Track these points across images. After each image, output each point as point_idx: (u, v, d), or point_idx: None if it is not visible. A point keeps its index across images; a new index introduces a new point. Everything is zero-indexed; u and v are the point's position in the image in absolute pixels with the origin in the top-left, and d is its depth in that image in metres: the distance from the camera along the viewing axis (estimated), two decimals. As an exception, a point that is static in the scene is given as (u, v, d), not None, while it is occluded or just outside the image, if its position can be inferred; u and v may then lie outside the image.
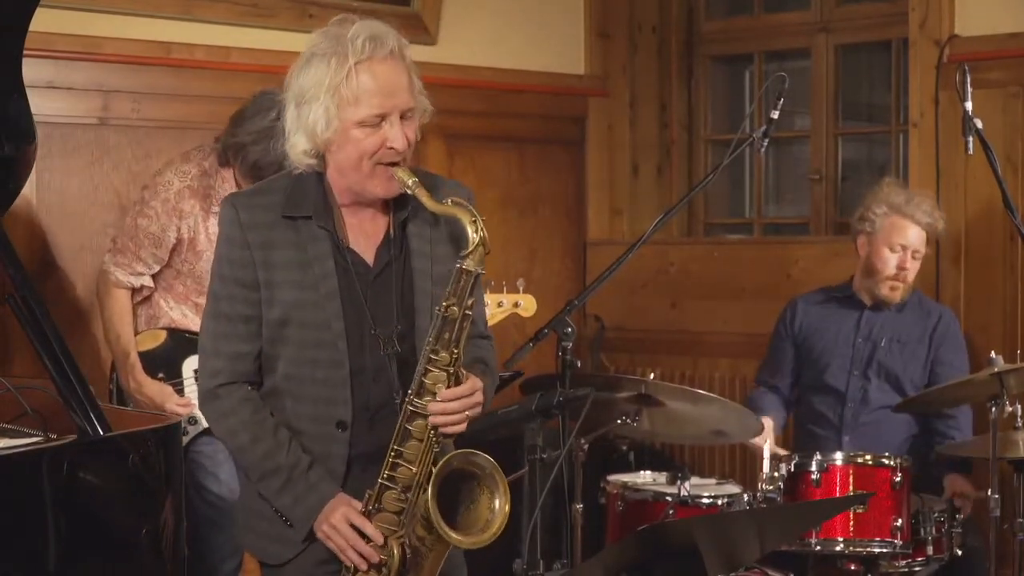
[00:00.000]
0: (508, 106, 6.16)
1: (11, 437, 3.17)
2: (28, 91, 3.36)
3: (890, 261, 4.88)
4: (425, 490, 2.89)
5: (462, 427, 2.94)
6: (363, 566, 2.94)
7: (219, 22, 5.19)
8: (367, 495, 2.95)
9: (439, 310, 2.90)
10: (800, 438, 4.99)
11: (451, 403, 2.91)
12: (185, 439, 4.36)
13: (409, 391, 2.92)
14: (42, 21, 3.43)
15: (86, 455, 3.09)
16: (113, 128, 4.95)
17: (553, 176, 6.37)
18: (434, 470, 2.89)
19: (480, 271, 2.91)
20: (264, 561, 3.09)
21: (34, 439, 3.14)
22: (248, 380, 3.03)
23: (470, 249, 2.90)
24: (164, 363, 4.41)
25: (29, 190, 4.47)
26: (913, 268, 4.88)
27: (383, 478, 2.93)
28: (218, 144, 4.35)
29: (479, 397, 2.96)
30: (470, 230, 2.89)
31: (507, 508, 2.92)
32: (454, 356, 2.91)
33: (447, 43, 5.87)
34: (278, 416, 3.02)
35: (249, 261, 2.98)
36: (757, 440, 4.69)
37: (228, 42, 5.12)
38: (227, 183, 4.35)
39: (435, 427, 2.92)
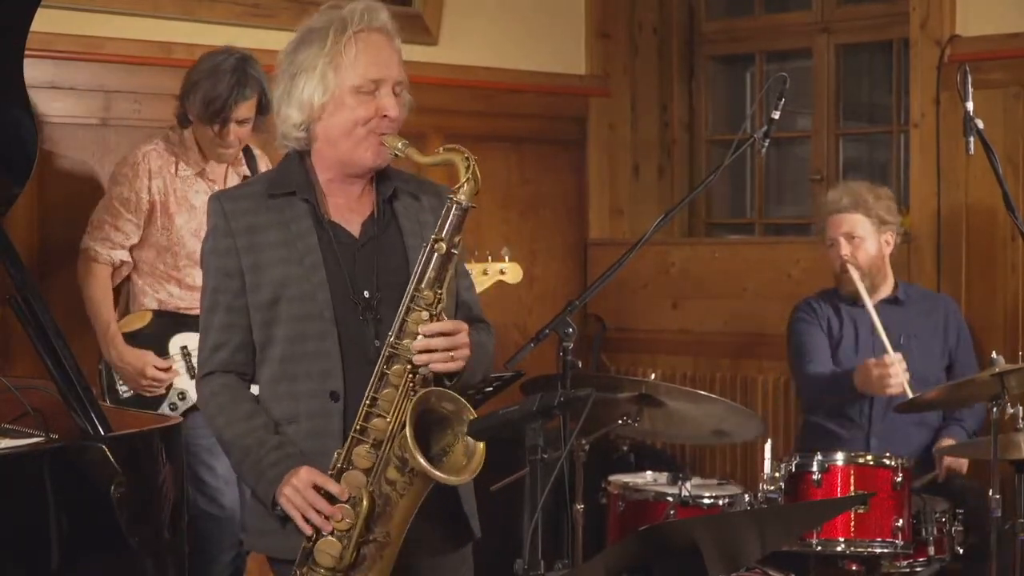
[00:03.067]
0: (509, 106, 6.16)
1: (12, 437, 3.17)
2: (30, 91, 3.36)
3: (834, 258, 4.95)
4: (397, 439, 2.85)
5: (446, 366, 2.92)
6: (326, 527, 2.88)
7: (220, 22, 5.20)
8: (336, 454, 2.92)
9: (425, 245, 2.92)
10: (822, 439, 4.89)
11: (433, 339, 2.90)
12: (175, 412, 4.44)
13: (390, 333, 2.92)
14: (43, 21, 3.44)
15: (87, 455, 3.09)
16: (114, 128, 4.95)
17: (554, 176, 6.37)
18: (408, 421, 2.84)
19: (471, 205, 2.94)
20: (278, 557, 3.06)
21: (35, 439, 3.14)
22: (229, 369, 3.05)
23: (460, 182, 2.93)
24: (151, 343, 4.48)
25: (30, 191, 4.46)
26: (858, 252, 4.89)
27: (355, 430, 2.90)
28: (178, 103, 4.51)
29: (464, 339, 2.95)
30: (461, 166, 2.94)
31: (483, 449, 2.88)
32: (437, 296, 2.91)
33: (448, 43, 5.87)
34: (281, 403, 3.02)
35: (232, 248, 3.00)
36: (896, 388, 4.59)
37: (229, 42, 5.10)
38: (190, 147, 4.51)
39: (416, 370, 2.90)
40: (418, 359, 2.90)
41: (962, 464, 4.79)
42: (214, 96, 4.36)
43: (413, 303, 2.91)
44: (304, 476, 2.90)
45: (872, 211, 4.89)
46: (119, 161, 4.57)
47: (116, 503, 3.08)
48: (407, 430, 2.81)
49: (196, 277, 4.47)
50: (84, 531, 3.00)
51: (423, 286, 2.91)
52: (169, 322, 4.50)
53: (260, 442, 2.97)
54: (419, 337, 2.90)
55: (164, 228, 4.48)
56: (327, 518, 2.88)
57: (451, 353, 2.92)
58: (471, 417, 2.90)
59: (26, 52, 3.33)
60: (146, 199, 4.45)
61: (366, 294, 3.00)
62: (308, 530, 2.90)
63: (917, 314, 4.97)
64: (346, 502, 2.90)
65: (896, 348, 4.72)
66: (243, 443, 2.99)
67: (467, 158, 2.95)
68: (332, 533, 2.90)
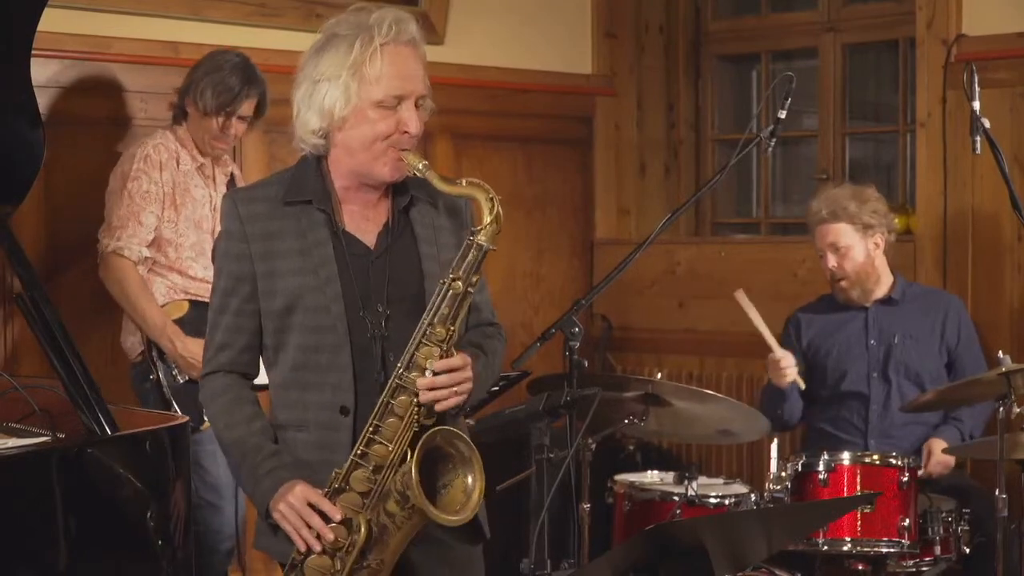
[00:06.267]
0: (515, 106, 6.16)
1: (19, 436, 3.18)
2: (36, 91, 3.36)
3: (824, 269, 4.97)
4: (397, 469, 2.87)
5: (450, 403, 2.92)
6: (316, 546, 2.89)
7: (227, 22, 5.20)
8: (334, 473, 2.92)
9: (443, 283, 2.90)
10: (823, 444, 4.87)
11: (440, 377, 2.90)
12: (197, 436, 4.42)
13: (399, 364, 2.91)
14: (50, 21, 3.45)
15: (94, 454, 3.09)
16: (121, 128, 4.95)
17: (560, 176, 6.37)
18: (410, 452, 2.84)
19: (491, 247, 2.92)
20: (279, 560, 3.07)
21: (42, 438, 3.15)
22: (232, 369, 3.06)
23: (483, 224, 2.91)
24: (193, 329, 4.50)
25: (36, 191, 4.47)
26: (845, 261, 4.90)
27: (356, 454, 2.90)
28: (176, 100, 4.66)
29: (468, 373, 2.94)
30: (485, 207, 2.91)
31: (481, 490, 2.89)
32: (449, 333, 2.90)
33: (454, 43, 5.88)
34: (291, 409, 3.02)
35: (245, 254, 3.00)
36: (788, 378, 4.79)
37: (236, 42, 5.12)
38: (187, 143, 4.61)
39: (421, 404, 2.89)
40: (423, 396, 2.89)
41: (948, 462, 4.75)
42: (225, 87, 4.51)
43: (425, 338, 2.90)
44: (299, 494, 2.91)
45: (855, 217, 4.88)
46: (125, 157, 4.59)
47: (128, 503, 3.08)
48: (412, 471, 2.82)
49: (198, 269, 4.55)
50: (91, 530, 3.00)
51: (435, 322, 2.90)
52: (206, 311, 4.49)
53: (257, 448, 2.99)
54: (427, 372, 2.89)
55: (170, 221, 4.54)
56: (319, 536, 2.89)
57: (455, 389, 2.92)
58: (476, 459, 2.90)
59: (34, 51, 3.33)
60: (163, 190, 4.53)
61: (380, 308, 2.99)
62: (302, 546, 2.92)
63: (913, 313, 4.97)
64: (341, 522, 2.90)
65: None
66: (241, 448, 3.00)
67: (491, 198, 2.92)
68: (324, 551, 2.91)
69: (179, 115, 4.62)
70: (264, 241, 2.99)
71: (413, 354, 2.90)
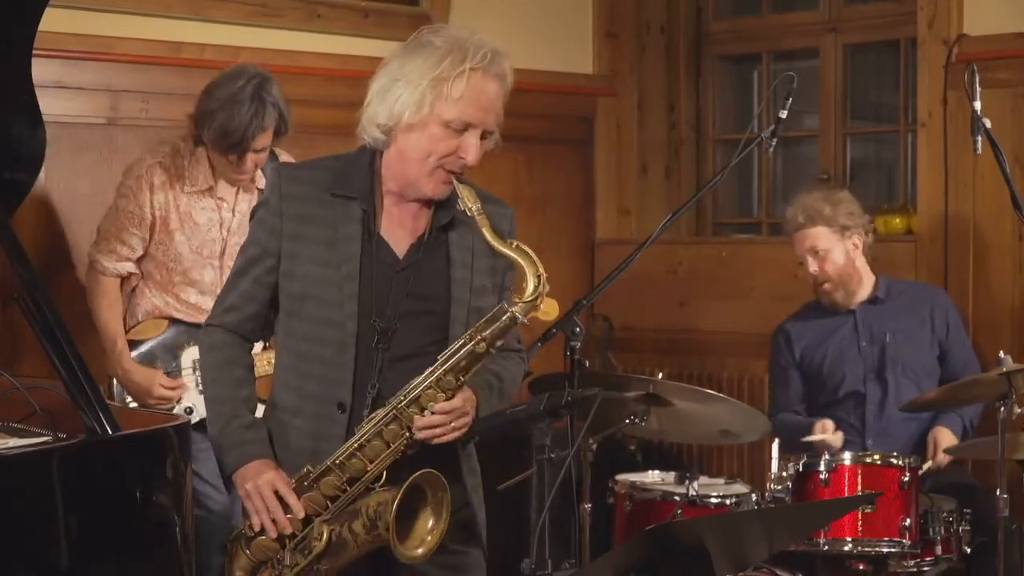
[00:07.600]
0: (516, 105, 6.07)
1: (20, 436, 3.17)
2: (37, 91, 3.36)
3: (807, 275, 5.00)
4: (371, 488, 2.93)
5: (446, 438, 2.96)
6: (273, 533, 2.98)
7: (228, 22, 5.20)
8: (306, 470, 2.98)
9: (469, 338, 2.92)
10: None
11: (437, 416, 2.94)
12: None
13: (402, 395, 2.93)
14: (52, 21, 3.44)
15: (95, 454, 3.09)
16: (122, 128, 4.96)
17: (561, 176, 6.37)
18: (386, 475, 2.91)
19: (523, 320, 2.94)
20: None
21: (43, 438, 3.14)
22: (234, 331, 3.12)
23: (525, 299, 2.92)
24: (164, 352, 4.45)
25: (37, 190, 4.47)
26: (826, 265, 4.93)
27: (334, 463, 2.95)
28: (191, 120, 4.36)
29: (468, 407, 2.98)
30: (531, 282, 2.91)
31: (440, 535, 2.93)
32: (459, 382, 2.94)
33: (455, 43, 5.86)
34: (290, 394, 3.06)
35: (276, 229, 3.03)
36: (832, 439, 4.75)
37: (237, 42, 5.13)
38: (200, 163, 4.39)
39: (412, 436, 2.93)
40: (421, 435, 2.94)
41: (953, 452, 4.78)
42: (231, 128, 4.19)
43: (436, 384, 2.93)
44: (269, 481, 2.99)
45: (831, 220, 4.91)
46: (126, 170, 4.47)
47: (130, 504, 3.09)
48: (392, 512, 2.86)
49: (191, 295, 4.44)
50: (92, 533, 3.00)
51: (448, 371, 2.93)
52: (183, 334, 4.44)
53: (234, 414, 3.06)
54: (426, 412, 2.93)
55: (161, 243, 4.40)
56: (275, 522, 2.98)
57: (453, 425, 2.96)
58: (447, 507, 2.93)
59: (35, 52, 3.32)
60: (149, 213, 4.36)
61: (392, 320, 3.00)
62: (258, 527, 3.01)
63: (901, 309, 4.99)
64: (302, 519, 2.97)
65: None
66: (220, 408, 3.09)
67: (539, 276, 2.92)
68: (278, 539, 3.00)
69: (196, 139, 4.35)
70: (296, 222, 3.02)
71: (419, 394, 2.93)
